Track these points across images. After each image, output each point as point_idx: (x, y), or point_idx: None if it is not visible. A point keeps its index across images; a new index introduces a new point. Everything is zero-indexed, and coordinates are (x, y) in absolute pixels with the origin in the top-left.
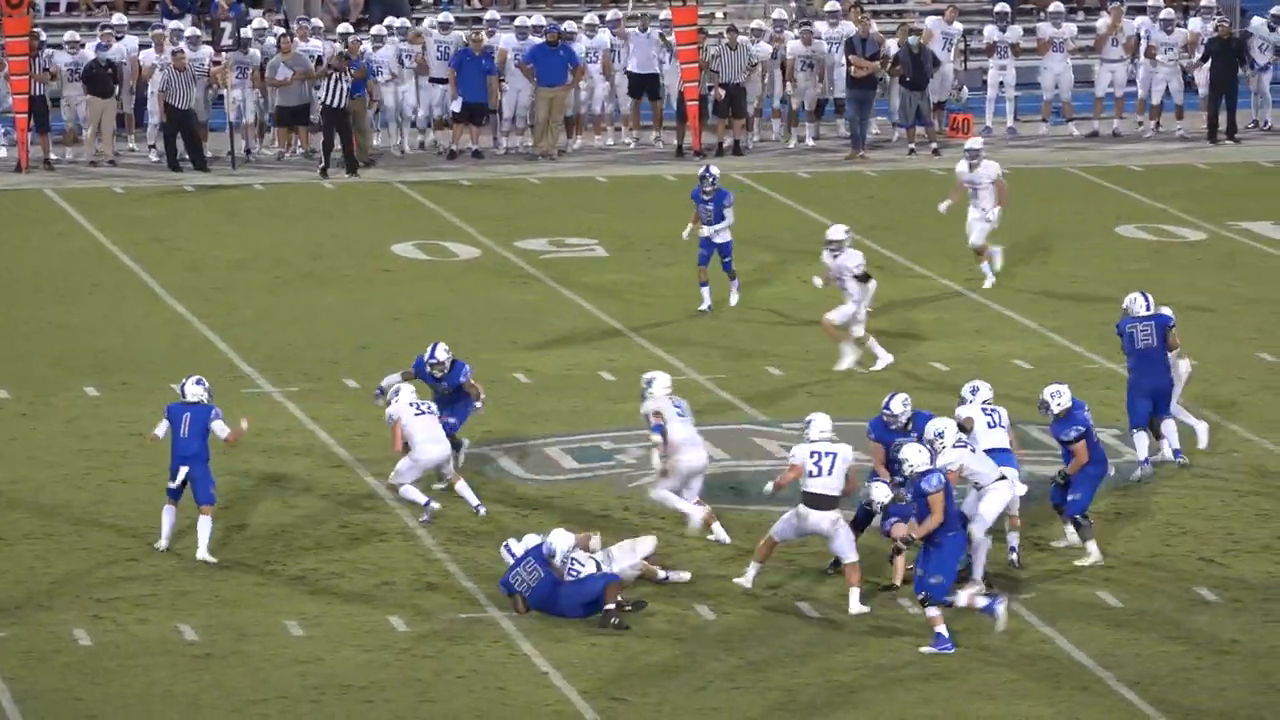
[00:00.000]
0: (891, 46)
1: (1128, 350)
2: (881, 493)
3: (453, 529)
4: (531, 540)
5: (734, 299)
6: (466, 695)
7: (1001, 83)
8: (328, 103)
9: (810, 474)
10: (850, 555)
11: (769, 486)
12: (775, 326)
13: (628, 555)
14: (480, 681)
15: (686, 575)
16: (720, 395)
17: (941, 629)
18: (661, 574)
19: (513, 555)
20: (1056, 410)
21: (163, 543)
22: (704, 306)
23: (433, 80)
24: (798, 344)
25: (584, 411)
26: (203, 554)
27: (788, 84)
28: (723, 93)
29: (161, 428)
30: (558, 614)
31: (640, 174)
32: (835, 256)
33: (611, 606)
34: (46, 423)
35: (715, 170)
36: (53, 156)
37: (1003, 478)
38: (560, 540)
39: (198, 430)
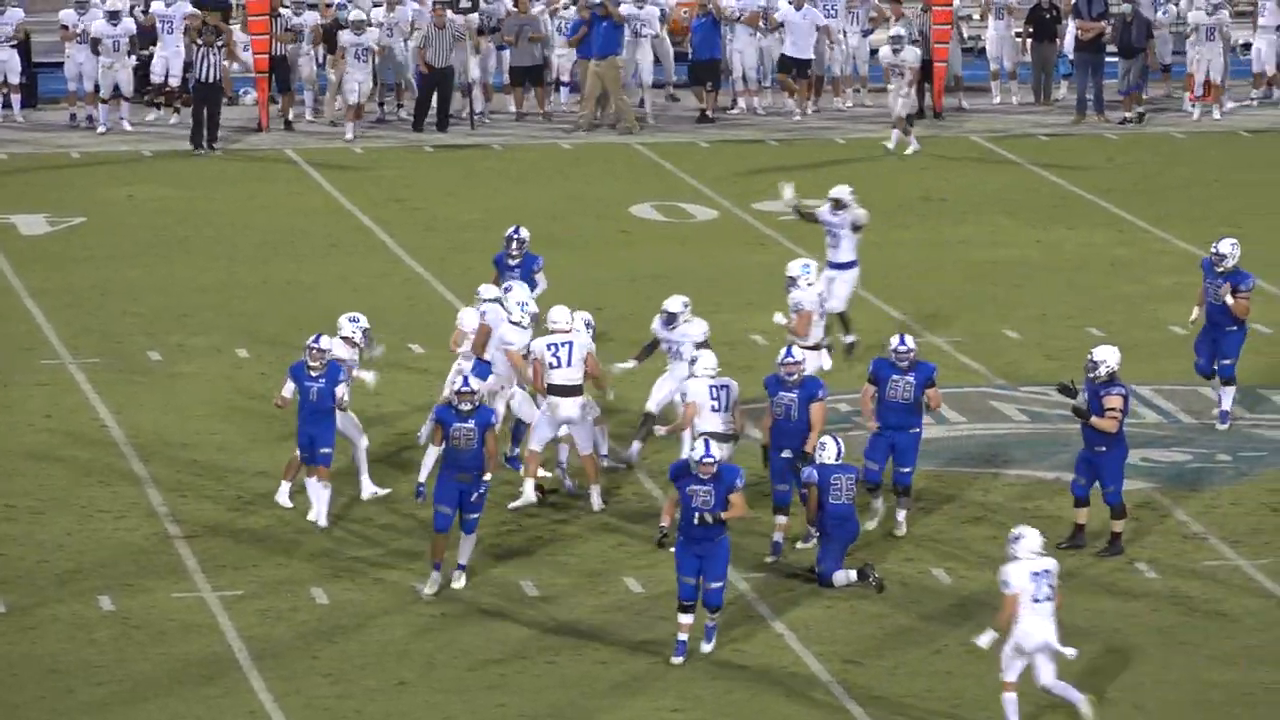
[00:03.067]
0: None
1: None
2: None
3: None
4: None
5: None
6: (701, 654)
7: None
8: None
9: (552, 366)
10: (588, 449)
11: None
12: (1013, 290)
13: None
14: (716, 641)
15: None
16: (961, 360)
17: (684, 636)
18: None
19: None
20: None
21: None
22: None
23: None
24: (1032, 308)
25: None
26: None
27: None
28: None
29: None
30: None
31: (877, 136)
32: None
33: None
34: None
35: (524, 232)
36: (291, 117)
37: None
38: None
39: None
